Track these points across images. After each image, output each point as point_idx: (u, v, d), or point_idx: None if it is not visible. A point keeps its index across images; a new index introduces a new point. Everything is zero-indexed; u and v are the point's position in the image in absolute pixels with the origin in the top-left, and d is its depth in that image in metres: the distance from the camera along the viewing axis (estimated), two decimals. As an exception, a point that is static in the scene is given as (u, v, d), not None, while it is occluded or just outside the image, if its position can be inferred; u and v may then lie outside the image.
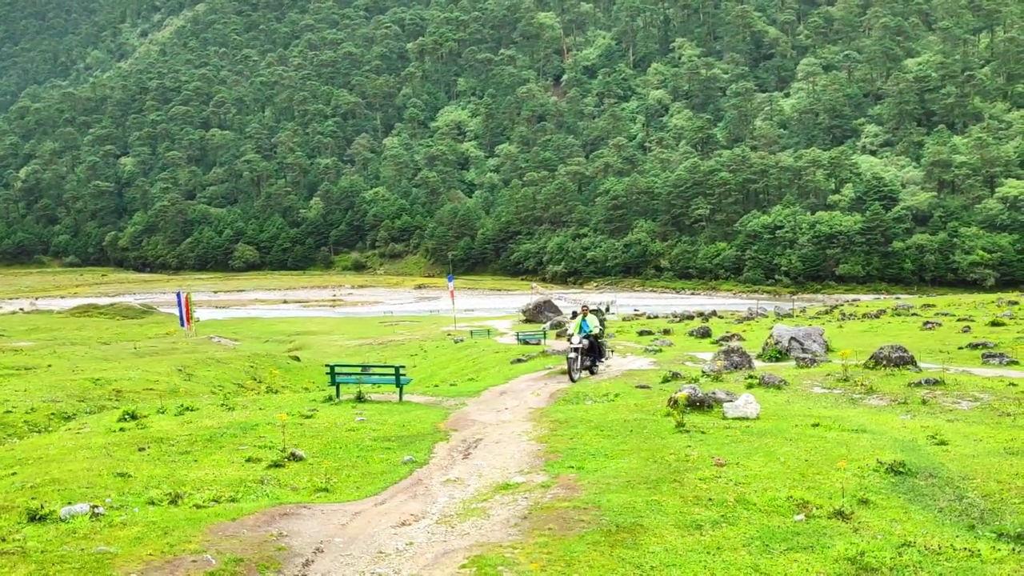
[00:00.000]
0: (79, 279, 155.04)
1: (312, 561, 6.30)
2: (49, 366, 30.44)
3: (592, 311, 20.96)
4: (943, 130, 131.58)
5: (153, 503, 7.64)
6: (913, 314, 41.71)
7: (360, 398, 16.60)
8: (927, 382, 14.43)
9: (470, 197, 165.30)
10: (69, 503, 7.36)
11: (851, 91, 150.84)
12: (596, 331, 20.25)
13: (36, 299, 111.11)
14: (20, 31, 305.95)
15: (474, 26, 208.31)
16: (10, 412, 18.14)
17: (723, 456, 8.71)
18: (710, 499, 7.27)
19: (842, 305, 65.43)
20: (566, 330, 20.52)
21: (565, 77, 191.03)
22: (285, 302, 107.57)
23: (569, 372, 19.15)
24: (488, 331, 48.22)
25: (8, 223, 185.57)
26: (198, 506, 7.54)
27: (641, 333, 38.13)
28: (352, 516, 7.54)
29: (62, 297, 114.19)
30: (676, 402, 11.64)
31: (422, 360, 37.20)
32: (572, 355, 19.32)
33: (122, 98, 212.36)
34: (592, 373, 20.18)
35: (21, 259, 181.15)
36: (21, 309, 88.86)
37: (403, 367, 17.47)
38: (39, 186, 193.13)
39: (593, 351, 20.23)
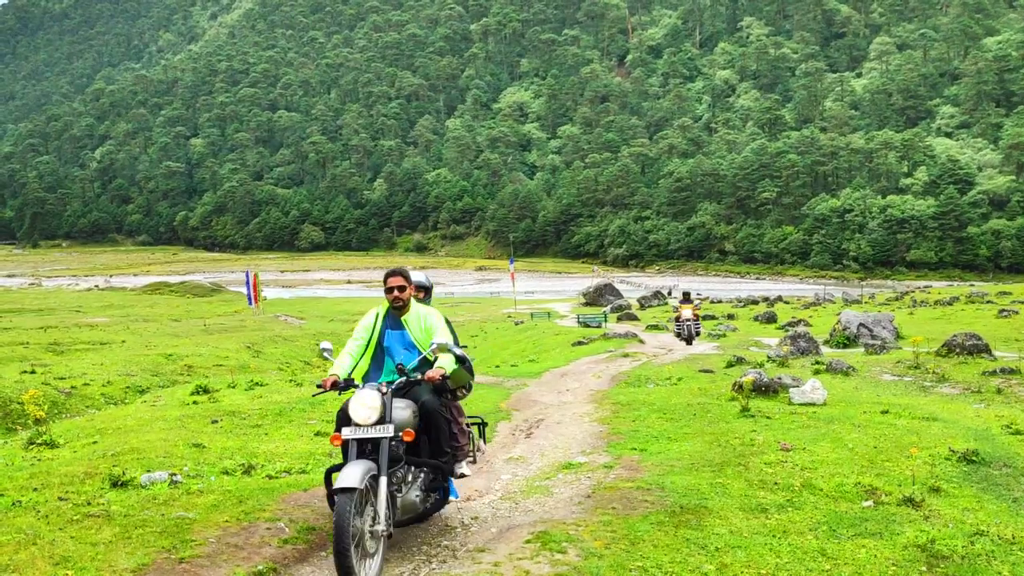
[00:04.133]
0: (151, 257, 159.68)
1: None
2: (123, 341, 31.46)
3: (421, 300, 6.79)
4: (1023, 111, 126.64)
5: (227, 473, 7.89)
6: (988, 301, 40.48)
7: (423, 377, 16.79)
8: (1002, 371, 14.02)
9: (532, 179, 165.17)
10: (148, 471, 7.65)
11: (926, 71, 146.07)
12: (445, 365, 5.90)
13: (110, 276, 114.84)
14: (95, 15, 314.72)
15: (538, 6, 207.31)
16: (88, 385, 18.83)
17: (789, 441, 8.62)
18: (776, 483, 7.22)
19: (913, 291, 63.82)
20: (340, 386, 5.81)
21: (630, 57, 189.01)
22: (349, 282, 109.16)
23: (339, 549, 4.76)
24: (548, 313, 48.30)
25: (84, 202, 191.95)
26: (270, 477, 7.76)
27: (704, 317, 37.77)
28: (418, 491, 7.68)
29: (135, 275, 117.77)
30: (741, 387, 11.54)
31: (482, 341, 37.44)
32: (346, 479, 5.01)
33: (192, 80, 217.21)
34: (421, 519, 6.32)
35: (96, 237, 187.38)
36: (96, 286, 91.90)
37: (465, 347, 17.65)
38: (113, 166, 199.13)
39: (433, 443, 5.97)
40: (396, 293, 6.22)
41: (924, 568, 5.45)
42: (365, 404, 5.40)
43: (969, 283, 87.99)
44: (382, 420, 5.39)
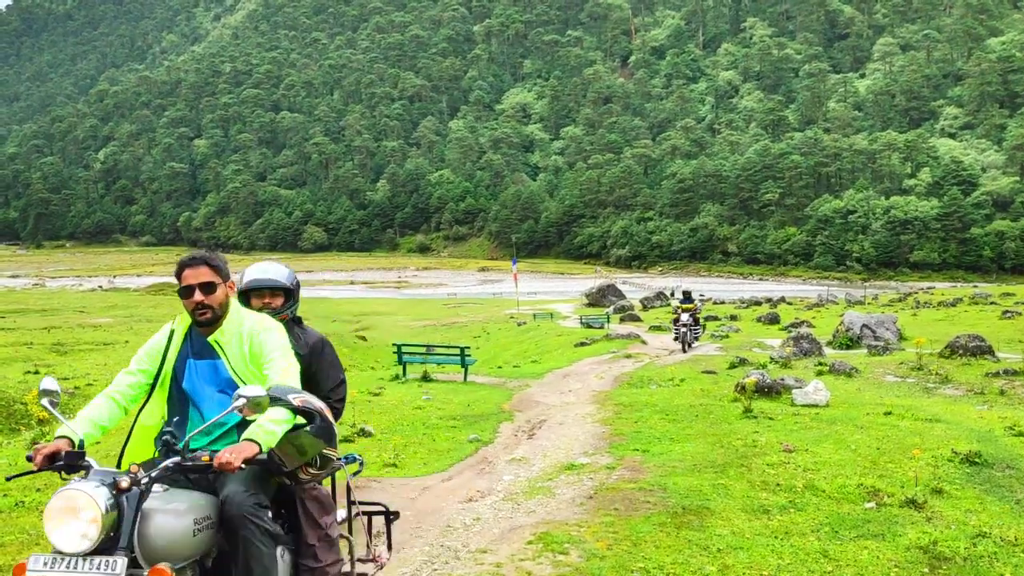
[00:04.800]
0: (154, 258, 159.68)
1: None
2: (127, 342, 31.49)
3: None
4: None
5: (230, 473, 7.89)
6: (991, 303, 40.42)
7: (426, 377, 16.84)
8: (1006, 372, 14.01)
9: (534, 180, 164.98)
10: (151, 471, 7.65)
11: (930, 72, 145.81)
12: (259, 436, 2.98)
13: (114, 277, 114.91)
14: (99, 16, 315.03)
15: (541, 7, 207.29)
16: (91, 385, 18.85)
17: (791, 442, 8.62)
18: (778, 484, 7.22)
19: (916, 293, 63.72)
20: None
21: (633, 58, 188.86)
22: (352, 283, 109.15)
23: None
24: (551, 314, 48.26)
25: (88, 203, 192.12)
26: (273, 477, 7.77)
27: (707, 318, 37.73)
28: (420, 491, 7.70)
29: (138, 275, 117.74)
30: (744, 388, 11.53)
31: (485, 342, 37.46)
32: None
33: (196, 81, 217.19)
34: None
35: (100, 238, 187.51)
36: (100, 287, 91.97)
37: (468, 348, 17.65)
38: (117, 167, 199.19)
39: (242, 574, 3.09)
40: (198, 295, 3.33)
41: (926, 570, 5.45)
42: (75, 513, 2.70)
43: (972, 284, 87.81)
44: (111, 545, 2.73)
